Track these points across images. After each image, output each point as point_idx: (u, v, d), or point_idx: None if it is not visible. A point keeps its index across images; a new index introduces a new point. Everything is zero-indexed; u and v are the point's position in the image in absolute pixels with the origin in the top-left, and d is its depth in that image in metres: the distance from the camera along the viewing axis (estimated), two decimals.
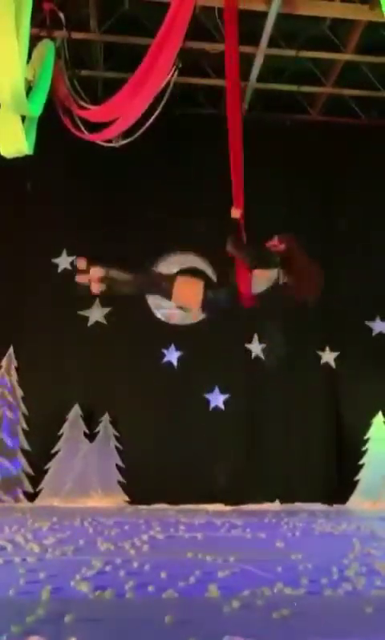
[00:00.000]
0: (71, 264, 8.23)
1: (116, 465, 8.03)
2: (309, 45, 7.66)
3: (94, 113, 6.16)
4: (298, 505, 7.90)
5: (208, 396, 8.31)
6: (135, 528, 5.87)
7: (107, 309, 8.35)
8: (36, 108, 5.62)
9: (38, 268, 8.27)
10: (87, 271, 4.39)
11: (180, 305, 4.39)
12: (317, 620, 3.02)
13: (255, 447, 8.23)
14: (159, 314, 8.37)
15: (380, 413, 8.40)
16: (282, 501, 7.99)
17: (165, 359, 8.33)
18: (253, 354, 8.47)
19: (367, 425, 8.37)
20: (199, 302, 4.21)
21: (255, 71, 7.71)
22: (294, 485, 8.10)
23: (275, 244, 4.28)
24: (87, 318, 8.33)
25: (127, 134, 6.16)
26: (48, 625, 2.76)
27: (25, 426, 8.04)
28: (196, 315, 4.17)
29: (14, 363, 8.11)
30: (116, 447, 8.08)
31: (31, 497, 7.83)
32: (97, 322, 8.34)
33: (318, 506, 7.92)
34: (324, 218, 8.69)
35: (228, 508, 7.75)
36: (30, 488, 7.87)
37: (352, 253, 8.59)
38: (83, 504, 7.71)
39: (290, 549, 4.73)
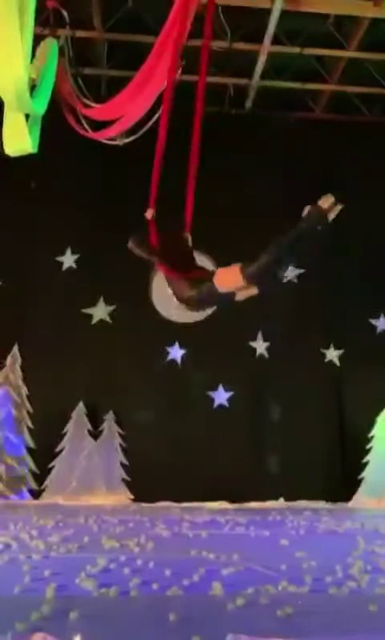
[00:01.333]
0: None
1: (120, 463, 8.05)
2: (312, 42, 7.64)
3: (97, 111, 6.17)
4: (303, 503, 7.90)
5: (212, 394, 8.32)
6: (139, 525, 5.88)
7: (111, 308, 8.37)
8: (40, 107, 5.63)
9: (43, 266, 8.29)
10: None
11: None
12: (321, 618, 3.02)
13: (259, 445, 8.23)
14: (164, 313, 8.38)
15: (384, 411, 8.39)
16: (286, 499, 7.99)
17: (169, 357, 8.34)
18: (257, 352, 8.47)
19: (372, 423, 8.36)
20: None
21: (259, 69, 7.70)
22: (298, 483, 8.10)
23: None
24: (91, 316, 8.35)
25: (130, 132, 6.16)
26: (53, 623, 2.77)
27: (30, 424, 8.06)
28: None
29: (19, 361, 8.13)
30: (120, 445, 8.10)
31: (36, 495, 7.86)
32: (101, 320, 8.36)
33: (322, 504, 7.92)
34: None
35: (233, 505, 7.76)
36: (34, 486, 7.89)
37: (357, 251, 8.58)
38: (87, 501, 7.74)
39: (294, 547, 4.73)
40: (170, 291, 4.22)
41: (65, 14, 6.38)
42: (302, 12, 6.88)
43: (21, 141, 5.49)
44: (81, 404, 8.09)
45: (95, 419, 8.13)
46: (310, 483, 8.11)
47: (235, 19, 6.98)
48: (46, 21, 6.30)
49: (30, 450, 8.00)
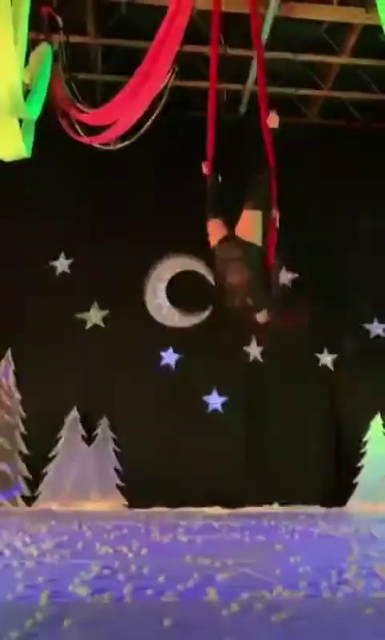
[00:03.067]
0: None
1: (114, 468, 8.02)
2: (306, 48, 7.69)
3: (92, 116, 6.18)
4: (297, 508, 7.89)
5: (207, 399, 8.31)
6: (133, 531, 5.85)
7: (105, 312, 8.36)
8: (34, 111, 5.63)
9: (36, 270, 8.28)
10: None
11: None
12: (316, 623, 3.01)
13: (253, 450, 8.23)
14: (158, 317, 8.38)
15: (378, 415, 8.41)
16: (281, 504, 7.98)
17: (163, 362, 8.33)
18: (251, 357, 8.47)
19: (366, 427, 8.38)
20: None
21: (252, 75, 7.73)
22: (293, 488, 8.09)
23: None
24: (85, 321, 8.33)
25: (124, 137, 6.17)
26: (47, 630, 2.75)
27: (23, 429, 8.02)
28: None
29: (12, 366, 8.10)
30: (114, 451, 8.07)
31: (29, 501, 7.81)
32: (95, 325, 8.34)
33: (317, 508, 7.92)
34: (322, 221, 8.71)
35: (227, 511, 7.74)
36: (28, 492, 7.85)
37: (350, 256, 8.61)
38: (81, 507, 7.70)
39: (289, 552, 4.72)
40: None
41: (59, 19, 6.39)
42: (295, 18, 6.93)
43: (14, 146, 5.49)
44: (75, 410, 8.06)
45: (89, 425, 8.10)
46: (304, 487, 8.11)
47: (229, 25, 7.01)
48: (40, 26, 6.31)
49: (23, 456, 7.95)
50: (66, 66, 6.67)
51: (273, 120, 4.37)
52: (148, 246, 8.34)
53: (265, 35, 6.91)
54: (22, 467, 7.90)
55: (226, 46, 7.09)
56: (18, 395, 8.07)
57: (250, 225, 4.18)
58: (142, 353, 8.24)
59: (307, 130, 8.80)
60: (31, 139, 5.78)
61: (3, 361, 8.09)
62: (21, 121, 5.48)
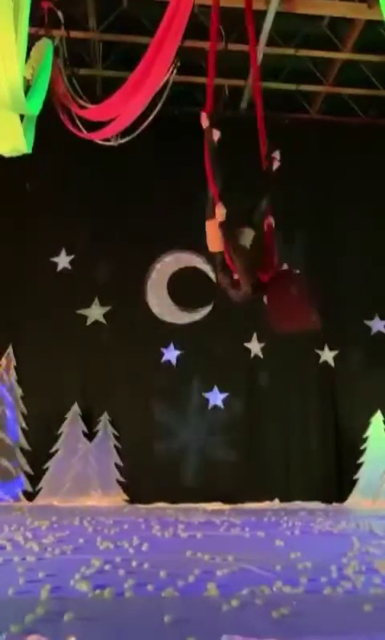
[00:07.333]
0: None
1: (115, 464, 8.04)
2: (307, 44, 7.67)
3: (93, 112, 6.17)
4: (297, 504, 7.91)
5: (208, 395, 8.32)
6: (134, 527, 5.87)
7: (106, 309, 8.36)
8: (35, 107, 5.62)
9: (37, 267, 8.28)
10: None
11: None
12: (316, 618, 3.02)
13: (254, 446, 8.24)
14: (159, 314, 8.38)
15: (379, 412, 8.41)
16: (281, 500, 8.00)
17: (164, 358, 8.33)
18: (252, 353, 8.47)
19: (366, 424, 8.38)
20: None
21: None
22: (293, 484, 8.11)
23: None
24: (85, 317, 8.34)
25: (125, 133, 6.16)
26: (47, 624, 2.77)
27: (24, 425, 8.04)
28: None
29: (13, 362, 8.12)
30: (115, 447, 8.09)
31: (30, 496, 7.83)
32: (96, 321, 8.35)
33: (317, 505, 7.93)
34: (323, 217, 8.69)
35: (228, 506, 7.75)
36: (29, 487, 7.87)
37: (351, 253, 8.60)
38: (82, 503, 7.72)
39: (289, 548, 4.73)
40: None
41: (60, 14, 6.38)
42: (297, 14, 6.91)
43: (15, 141, 5.48)
44: (76, 405, 8.07)
45: (90, 421, 8.11)
46: (305, 483, 8.12)
47: (230, 21, 6.98)
48: (41, 21, 6.29)
49: (24, 451, 7.97)
50: (67, 62, 6.66)
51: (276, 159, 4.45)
52: (149, 243, 8.33)
53: (266, 30, 6.90)
54: (23, 462, 7.92)
55: (226, 42, 7.07)
56: (19, 391, 8.08)
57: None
58: (143, 349, 8.24)
59: (308, 126, 8.78)
60: (32, 134, 5.77)
61: (4, 357, 8.10)
62: (22, 117, 5.48)
